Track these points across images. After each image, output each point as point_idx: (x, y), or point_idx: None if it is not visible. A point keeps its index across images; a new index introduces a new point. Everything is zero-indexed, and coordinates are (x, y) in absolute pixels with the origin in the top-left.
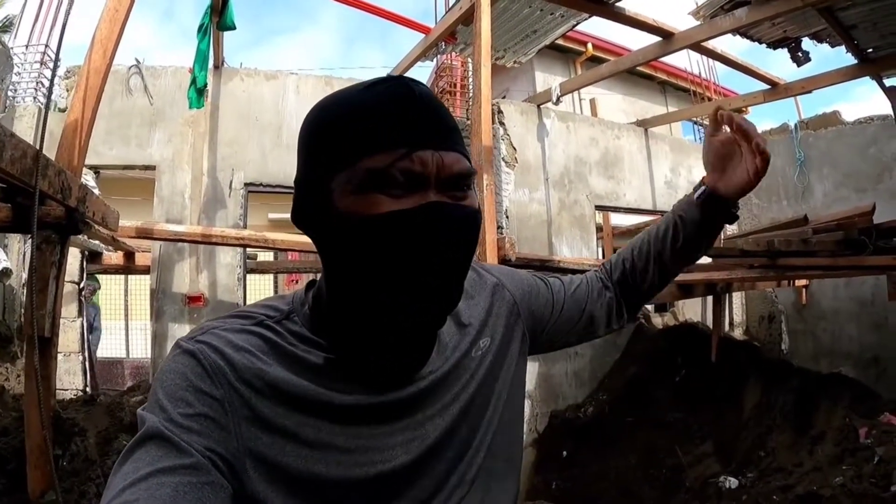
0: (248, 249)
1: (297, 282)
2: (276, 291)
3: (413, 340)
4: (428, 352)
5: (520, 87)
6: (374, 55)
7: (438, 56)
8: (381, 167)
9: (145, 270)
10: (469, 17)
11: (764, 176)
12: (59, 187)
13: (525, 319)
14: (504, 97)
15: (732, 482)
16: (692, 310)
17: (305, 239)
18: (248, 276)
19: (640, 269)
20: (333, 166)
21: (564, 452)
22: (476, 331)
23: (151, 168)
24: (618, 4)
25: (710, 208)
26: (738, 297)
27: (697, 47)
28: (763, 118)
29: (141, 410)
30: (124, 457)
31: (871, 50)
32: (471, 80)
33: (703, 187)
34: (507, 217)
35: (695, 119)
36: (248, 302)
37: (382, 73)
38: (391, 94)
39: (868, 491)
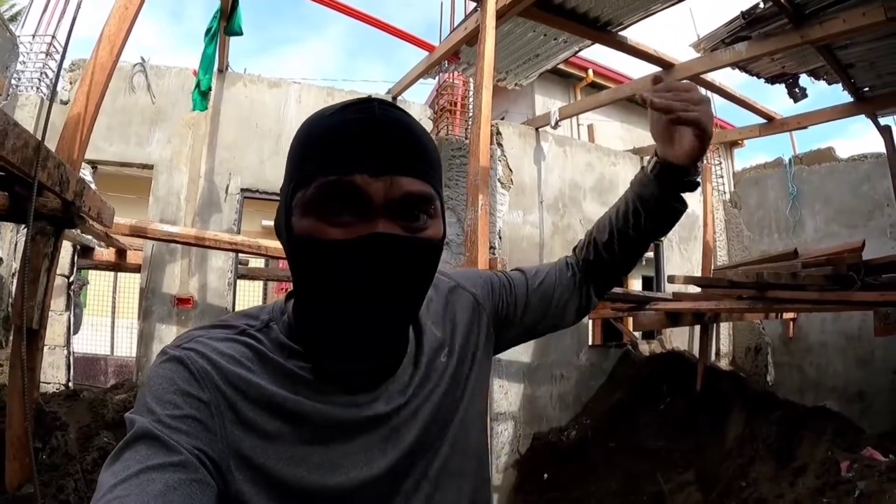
0: (239, 255)
1: (286, 290)
2: (265, 298)
3: (364, 355)
4: (389, 362)
5: (519, 110)
6: (377, 69)
7: (440, 74)
8: (325, 191)
9: (136, 269)
10: (473, 38)
11: (711, 137)
12: (58, 180)
13: (489, 316)
14: (503, 118)
15: None
16: (679, 338)
17: None
18: (239, 281)
19: (606, 250)
20: (296, 185)
21: (545, 475)
22: (438, 337)
23: (149, 167)
24: (620, 33)
25: (666, 180)
26: (725, 328)
27: (697, 79)
28: (758, 152)
29: (129, 414)
30: (114, 457)
31: (867, 88)
32: (471, 99)
33: (654, 160)
34: (500, 238)
35: None
36: (238, 307)
37: (384, 87)
38: (356, 118)
39: None
